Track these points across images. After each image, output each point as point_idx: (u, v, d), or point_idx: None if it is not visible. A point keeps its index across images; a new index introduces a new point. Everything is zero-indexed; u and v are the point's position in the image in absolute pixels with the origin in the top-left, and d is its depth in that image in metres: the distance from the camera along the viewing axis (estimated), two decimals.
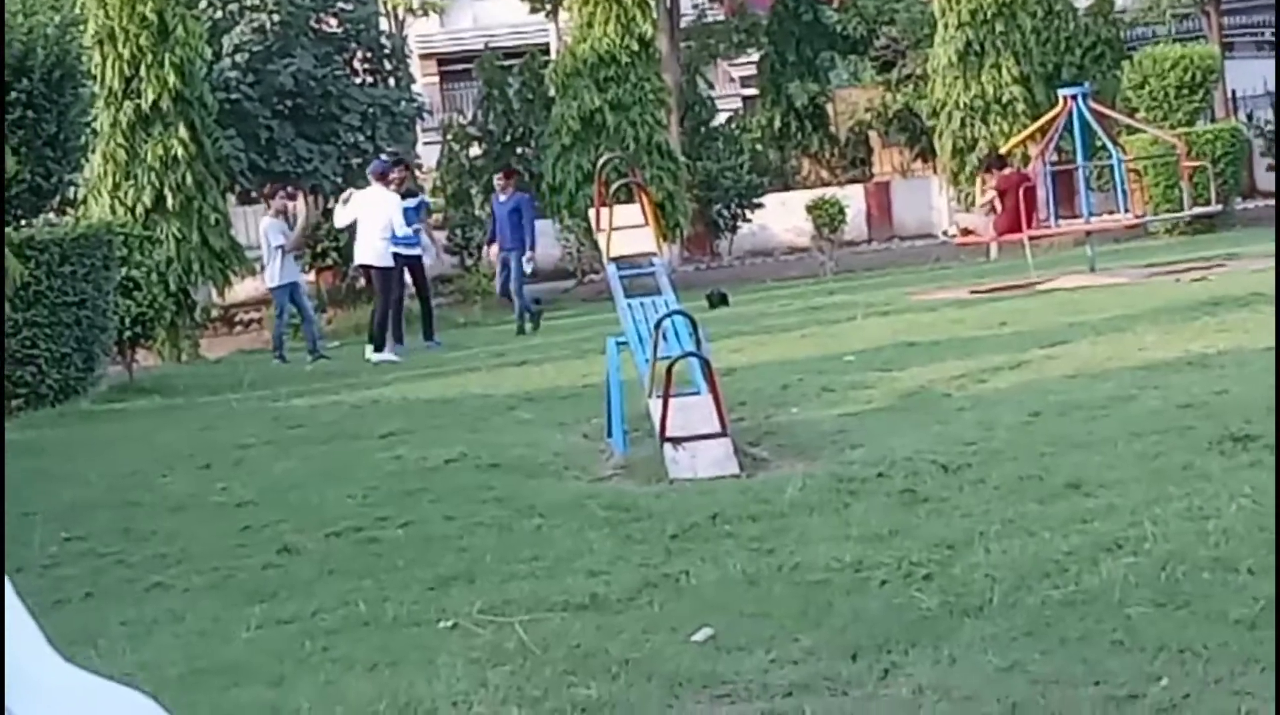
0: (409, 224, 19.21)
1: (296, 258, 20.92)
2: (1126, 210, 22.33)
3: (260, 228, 20.71)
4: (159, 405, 15.18)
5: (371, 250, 19.09)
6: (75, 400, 15.27)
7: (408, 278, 19.95)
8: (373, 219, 18.93)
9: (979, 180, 23.28)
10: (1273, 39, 36.11)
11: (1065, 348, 12.63)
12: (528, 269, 21.51)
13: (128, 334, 17.57)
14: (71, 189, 20.37)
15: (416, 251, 20.00)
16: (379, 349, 18.63)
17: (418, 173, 34.77)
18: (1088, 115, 21.97)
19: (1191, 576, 5.78)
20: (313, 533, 8.10)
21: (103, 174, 21.85)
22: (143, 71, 21.56)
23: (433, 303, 21.20)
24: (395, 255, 19.07)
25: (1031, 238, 21.45)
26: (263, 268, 20.77)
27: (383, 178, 19.27)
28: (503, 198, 21.73)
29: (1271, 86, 34.63)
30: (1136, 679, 4.85)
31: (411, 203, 20.16)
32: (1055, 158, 23.30)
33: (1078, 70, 32.67)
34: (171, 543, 8.23)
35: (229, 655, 6.05)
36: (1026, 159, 23.39)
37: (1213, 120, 32.13)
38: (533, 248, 21.62)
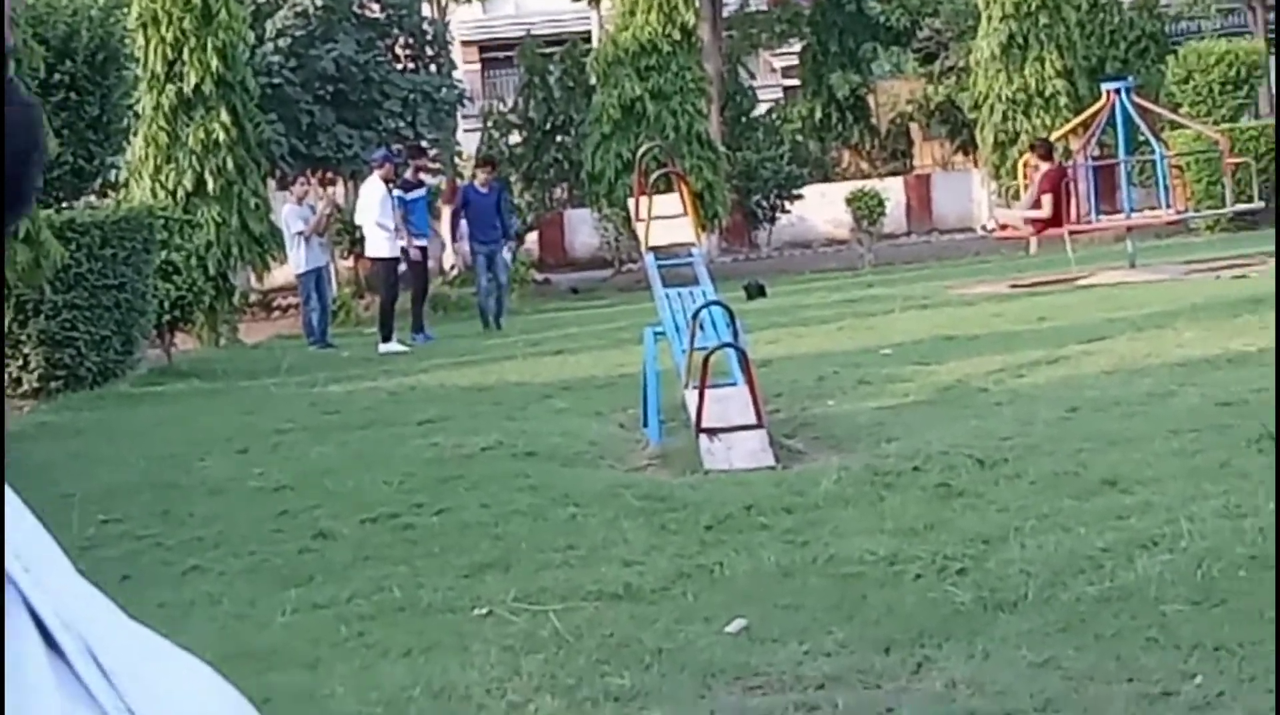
0: (413, 214, 19.32)
1: (322, 245, 20.99)
2: (1168, 206, 22.20)
3: (282, 214, 20.81)
4: (197, 389, 15.24)
5: (368, 241, 19.32)
6: (114, 383, 15.35)
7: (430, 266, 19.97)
8: (366, 211, 19.15)
9: (1023, 162, 23.16)
10: None
11: (1104, 343, 12.58)
12: (509, 259, 21.42)
13: (167, 317, 17.65)
14: (113, 172, 20.44)
15: (423, 242, 20.06)
16: (385, 339, 18.68)
17: (456, 160, 34.88)
18: (1131, 110, 21.85)
19: (1227, 574, 5.76)
20: (348, 518, 8.13)
21: (144, 157, 21.90)
22: (185, 55, 21.59)
23: (426, 296, 20.95)
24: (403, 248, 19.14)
25: (1072, 232, 21.35)
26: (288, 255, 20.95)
27: (380, 168, 19.44)
28: (484, 190, 21.47)
29: None
30: (1171, 676, 4.84)
31: (418, 193, 20.21)
32: (1097, 152, 23.18)
33: (1121, 64, 32.51)
34: (209, 526, 8.27)
35: (265, 639, 6.09)
36: (1068, 153, 23.27)
37: (1257, 116, 31.91)
38: (513, 238, 21.52)
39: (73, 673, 0.59)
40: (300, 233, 19.94)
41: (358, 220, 19.35)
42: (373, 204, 19.03)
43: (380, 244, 19.08)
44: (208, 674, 0.69)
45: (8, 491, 0.65)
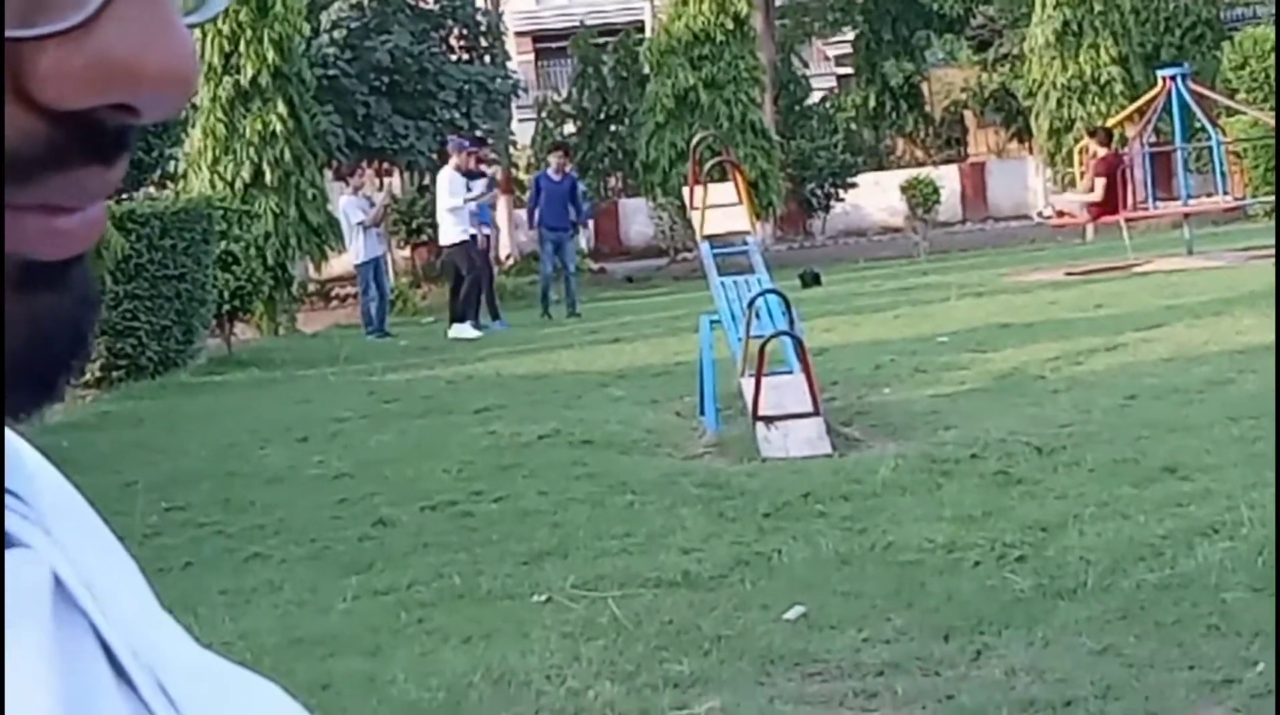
0: (476, 204, 19.38)
1: (379, 235, 21.09)
2: (1225, 193, 22.07)
3: (340, 205, 20.91)
4: (257, 378, 15.35)
5: (441, 228, 19.36)
6: (175, 372, 15.49)
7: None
8: (440, 197, 19.21)
9: (1082, 148, 23.04)
10: None
11: (1162, 331, 12.53)
12: (583, 247, 21.44)
13: (226, 307, 17.78)
14: (172, 163, 20.59)
15: (488, 231, 20.12)
16: (459, 321, 18.77)
17: (511, 150, 34.96)
18: (1187, 96, 21.73)
19: None
20: (408, 506, 8.19)
21: (202, 149, 22.07)
22: (242, 47, 21.75)
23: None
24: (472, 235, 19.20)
25: (1128, 219, 21.25)
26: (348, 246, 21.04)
27: (456, 155, 19.49)
28: (557, 177, 21.51)
29: None
30: (1232, 664, 4.82)
31: (481, 184, 20.27)
32: (1153, 139, 23.05)
33: (1177, 51, 32.33)
34: (269, 514, 8.34)
35: (326, 625, 6.14)
36: (1124, 140, 23.16)
37: None
38: (586, 224, 21.53)
39: (141, 702, 0.59)
40: (360, 223, 20.05)
41: (438, 209, 19.38)
42: (444, 191, 19.08)
43: (451, 230, 19.13)
44: (277, 698, 0.70)
45: (86, 511, 0.66)
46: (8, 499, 0.59)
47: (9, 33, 0.49)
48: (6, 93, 0.50)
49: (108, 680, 0.59)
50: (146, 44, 0.51)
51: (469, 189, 19.21)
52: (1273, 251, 19.03)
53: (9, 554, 0.57)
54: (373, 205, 21.01)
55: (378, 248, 20.70)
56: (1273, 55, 28.78)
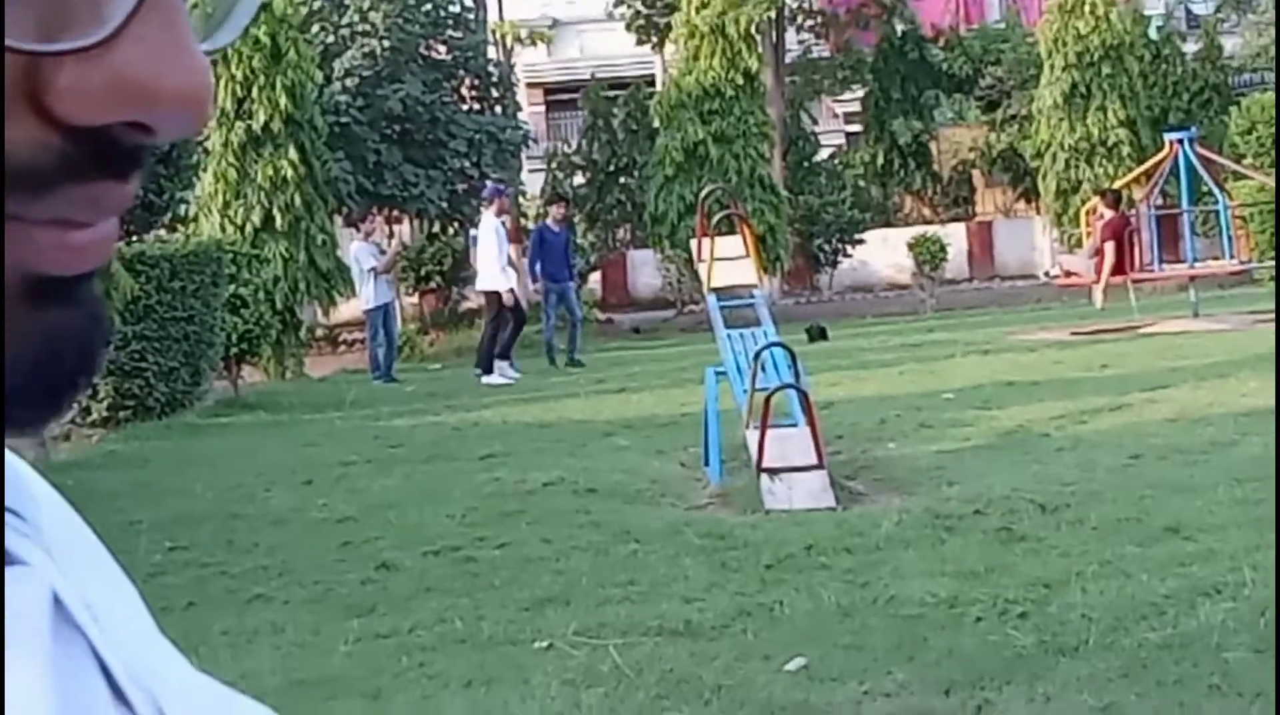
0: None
1: (389, 282, 21.14)
2: (1231, 256, 22.11)
3: (351, 251, 20.98)
4: (263, 421, 15.38)
5: (484, 274, 19.35)
6: (182, 413, 15.52)
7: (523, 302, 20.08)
8: (484, 244, 19.23)
9: (1089, 209, 23.10)
10: None
11: (1166, 392, 12.55)
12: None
13: (234, 350, 17.83)
14: (183, 206, 20.67)
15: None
16: (487, 372, 18.83)
17: (520, 199, 35.06)
18: (1194, 160, 21.79)
19: None
20: (411, 550, 8.20)
21: (213, 192, 22.15)
22: (255, 93, 21.86)
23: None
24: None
25: (1135, 281, 21.29)
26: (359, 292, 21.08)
27: (491, 203, 19.55)
28: (556, 229, 21.60)
29: None
30: None
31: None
32: (1160, 201, 23.11)
33: (1184, 114, 32.43)
34: (273, 556, 8.35)
35: (328, 668, 6.14)
36: (1131, 202, 23.23)
37: None
38: (575, 277, 21.80)
39: None
40: (372, 268, 20.11)
41: (479, 255, 19.43)
42: (490, 238, 19.12)
43: (495, 277, 19.15)
44: None
45: (90, 537, 0.67)
46: (11, 517, 0.60)
47: (31, 46, 0.50)
48: (25, 106, 0.51)
49: (105, 699, 0.60)
50: (164, 65, 0.52)
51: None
52: (1276, 315, 19.06)
53: (9, 571, 0.57)
54: (384, 252, 21.09)
55: (387, 294, 20.76)
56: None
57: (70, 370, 0.55)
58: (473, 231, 19.71)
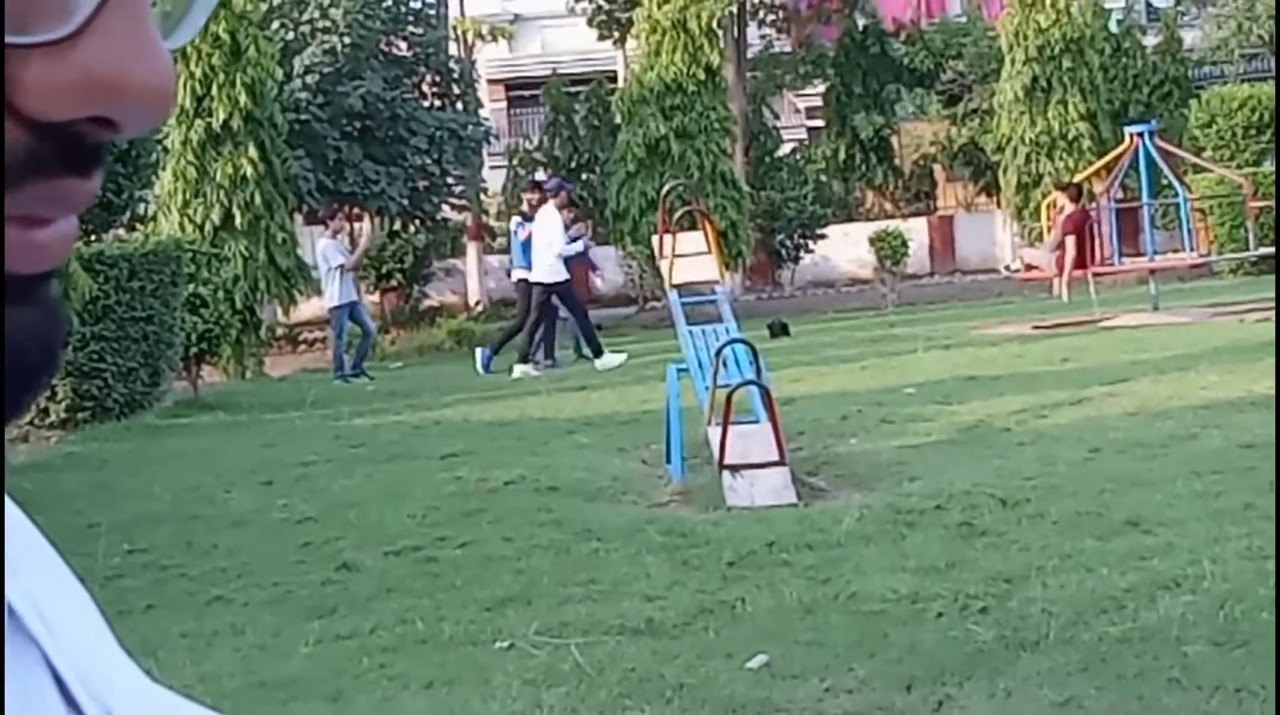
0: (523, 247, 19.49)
1: (354, 280, 21.04)
2: (1191, 249, 22.23)
3: (318, 248, 20.88)
4: (223, 421, 15.31)
5: (538, 266, 19.22)
6: (140, 414, 15.44)
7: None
8: (542, 236, 19.09)
9: (1050, 202, 23.17)
10: None
11: (1127, 385, 12.59)
12: None
13: (194, 350, 17.73)
14: (141, 205, 20.56)
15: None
16: (598, 356, 18.82)
17: (481, 197, 35.00)
18: (1154, 153, 21.89)
19: (1250, 616, 5.76)
20: (372, 550, 8.17)
21: (173, 191, 22.05)
22: (214, 90, 21.77)
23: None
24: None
25: (1095, 275, 21.37)
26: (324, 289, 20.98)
27: (555, 196, 19.43)
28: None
29: None
30: None
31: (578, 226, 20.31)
32: (1121, 195, 23.21)
33: (1145, 108, 32.56)
34: (233, 557, 8.31)
35: (288, 670, 6.11)
36: (1091, 196, 23.32)
37: None
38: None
39: None
40: (340, 266, 20.03)
41: (535, 246, 19.31)
42: (551, 230, 19.00)
43: (556, 269, 19.05)
44: None
45: (43, 544, 0.66)
46: None
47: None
48: None
49: (57, 708, 0.59)
50: (129, 59, 0.52)
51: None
52: (1236, 309, 19.18)
53: None
54: (353, 249, 21.00)
55: (352, 292, 20.67)
56: (1239, 113, 29.05)
57: (31, 369, 0.56)
58: (513, 223, 19.54)
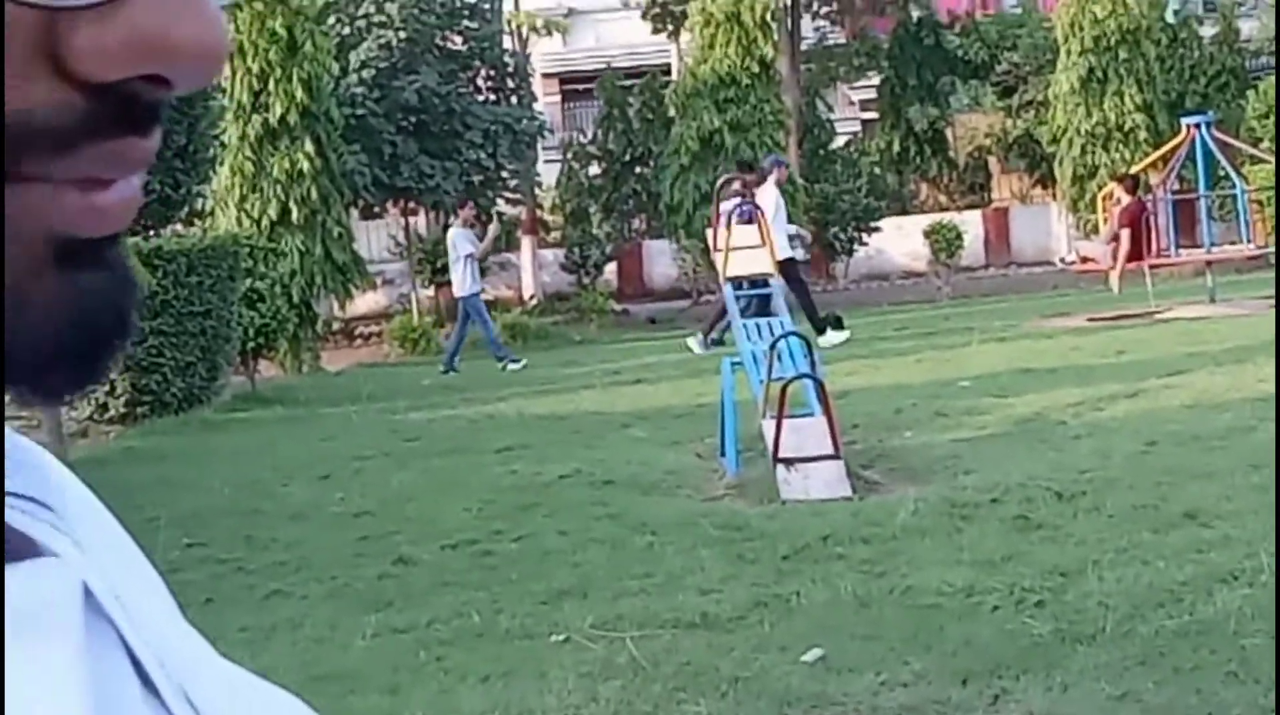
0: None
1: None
2: (1249, 241, 22.05)
3: (449, 237, 20.96)
4: (280, 415, 15.40)
5: (782, 244, 19.14)
6: (199, 409, 15.55)
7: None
8: (778, 215, 18.96)
9: (1106, 194, 23.03)
10: None
11: (1184, 377, 12.52)
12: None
13: (251, 345, 17.85)
14: (199, 200, 20.71)
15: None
16: (821, 333, 18.62)
17: (536, 190, 35.05)
18: (1211, 144, 21.73)
19: None
20: (429, 544, 8.21)
21: (230, 186, 22.19)
22: (271, 86, 21.88)
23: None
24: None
25: (1151, 267, 21.24)
26: (451, 277, 21.02)
27: (772, 172, 19.29)
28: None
29: None
30: (1250, 710, 4.82)
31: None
32: (1177, 186, 23.05)
33: (1201, 99, 32.33)
34: (291, 551, 8.37)
35: (345, 663, 6.16)
36: (1148, 187, 23.17)
37: None
38: None
39: (168, 712, 0.61)
40: (469, 254, 20.14)
41: (778, 226, 19.29)
42: (775, 209, 18.85)
43: (785, 246, 18.92)
44: (300, 712, 0.72)
45: (116, 527, 0.68)
46: (39, 508, 0.60)
47: (48, 2, 0.50)
48: (45, 66, 0.51)
49: (135, 690, 0.60)
50: (178, 17, 0.52)
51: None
52: None
53: (41, 563, 0.58)
54: (482, 238, 21.09)
55: (480, 282, 20.77)
56: None
57: (105, 333, 0.56)
58: (724, 205, 19.48)
